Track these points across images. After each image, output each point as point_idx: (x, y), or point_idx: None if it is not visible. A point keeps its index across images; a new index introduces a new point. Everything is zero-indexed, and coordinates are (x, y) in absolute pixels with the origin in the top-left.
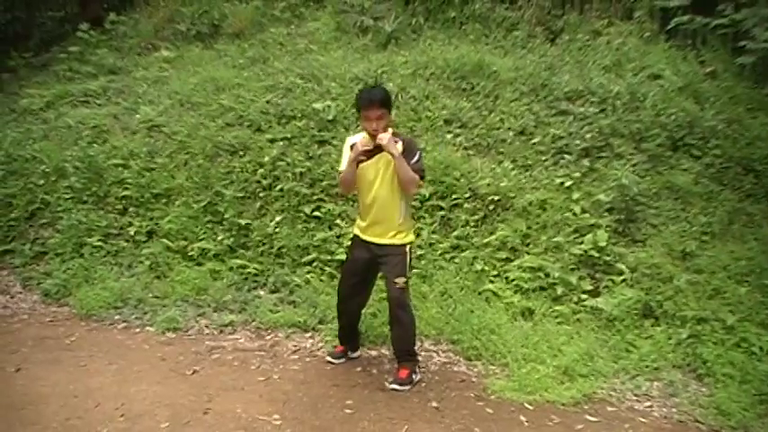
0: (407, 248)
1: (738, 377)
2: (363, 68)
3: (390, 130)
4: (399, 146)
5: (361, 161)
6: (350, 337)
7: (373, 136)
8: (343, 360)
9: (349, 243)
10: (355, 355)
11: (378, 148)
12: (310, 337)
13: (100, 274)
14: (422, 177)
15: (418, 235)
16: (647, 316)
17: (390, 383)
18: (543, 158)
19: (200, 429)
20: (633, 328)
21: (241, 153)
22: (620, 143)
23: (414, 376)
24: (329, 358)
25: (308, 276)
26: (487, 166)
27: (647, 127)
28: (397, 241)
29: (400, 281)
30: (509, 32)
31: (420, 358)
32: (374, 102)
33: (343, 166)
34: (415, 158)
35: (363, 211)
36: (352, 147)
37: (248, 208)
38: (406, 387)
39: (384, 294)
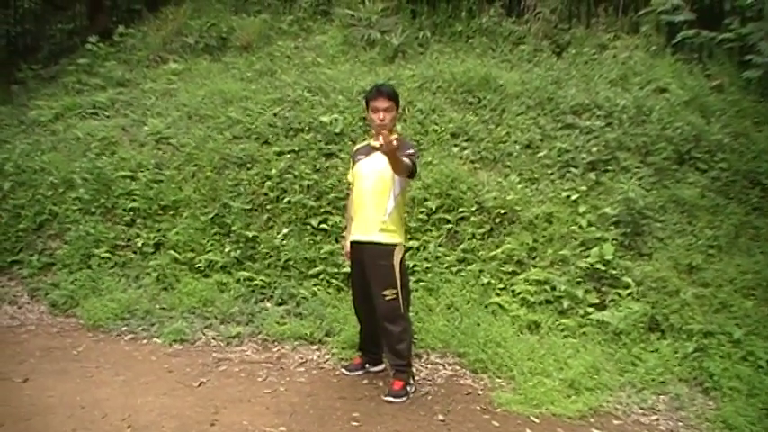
0: (395, 255)
1: (745, 391)
2: (370, 82)
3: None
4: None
5: (359, 160)
6: (369, 346)
7: (379, 126)
8: (359, 373)
9: None
10: (377, 369)
11: (371, 150)
12: (317, 350)
13: (107, 285)
14: (414, 171)
15: (425, 248)
16: (654, 329)
17: (385, 396)
18: (549, 172)
19: None
20: (639, 341)
21: (248, 165)
22: (626, 157)
23: (408, 388)
24: (344, 370)
25: (315, 289)
26: (494, 179)
27: (654, 140)
28: (381, 239)
29: (390, 293)
30: (515, 46)
31: (415, 369)
32: (382, 92)
33: (350, 176)
34: (410, 150)
35: (354, 209)
36: (358, 149)
37: (255, 220)
38: (401, 399)
39: None
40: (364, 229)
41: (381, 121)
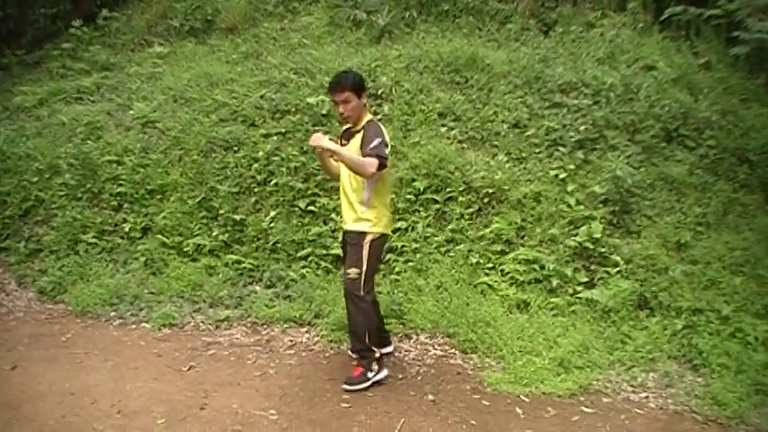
0: (366, 238)
1: (734, 367)
2: (357, 62)
3: (369, 117)
4: (319, 134)
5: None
6: None
7: (342, 119)
8: None
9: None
10: (386, 351)
11: (350, 135)
12: (306, 332)
13: (95, 270)
14: (381, 162)
15: (413, 228)
16: (642, 307)
17: (343, 383)
18: (537, 151)
19: (196, 425)
20: (628, 319)
21: (235, 148)
22: (614, 135)
23: (369, 374)
24: (350, 352)
25: (304, 271)
26: (482, 159)
27: (641, 118)
28: (357, 228)
29: (352, 272)
30: (502, 25)
31: (378, 355)
32: (337, 86)
33: None
34: (372, 145)
35: (340, 198)
36: (343, 131)
37: (243, 203)
38: (356, 386)
39: (377, 289)
40: (346, 219)
41: (341, 114)
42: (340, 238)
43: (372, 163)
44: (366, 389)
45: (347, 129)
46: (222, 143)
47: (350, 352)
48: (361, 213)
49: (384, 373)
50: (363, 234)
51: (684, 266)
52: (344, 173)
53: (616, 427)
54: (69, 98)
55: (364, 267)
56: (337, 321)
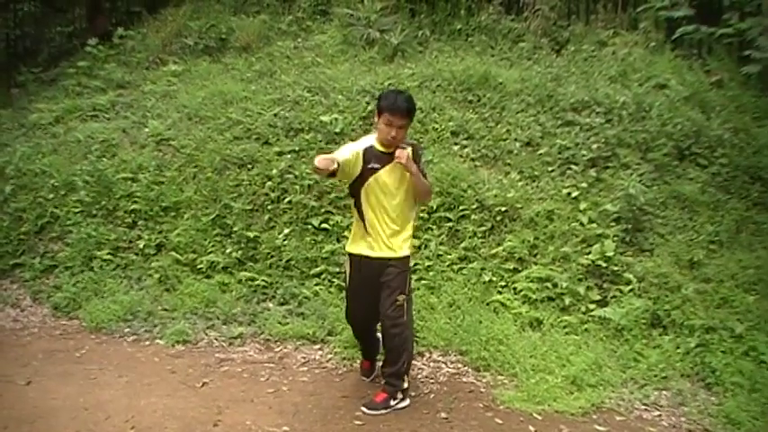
0: (410, 263)
1: (747, 386)
2: (370, 81)
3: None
4: (408, 151)
5: (375, 170)
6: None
7: (390, 142)
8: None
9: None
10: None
11: (384, 158)
12: (319, 349)
13: (109, 287)
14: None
15: (426, 246)
16: (655, 325)
17: (362, 406)
18: (550, 169)
19: None
20: (641, 337)
21: (249, 166)
22: (626, 153)
23: (392, 401)
24: (381, 372)
25: (317, 288)
26: (494, 177)
27: (654, 137)
28: (404, 253)
29: (401, 298)
30: (515, 44)
31: (406, 386)
32: (402, 110)
33: (338, 153)
34: (424, 168)
35: (373, 224)
36: (366, 150)
37: (256, 221)
38: (377, 412)
39: None
40: (388, 248)
41: (394, 138)
42: (365, 271)
43: (429, 187)
44: None
45: (369, 148)
46: (236, 161)
47: (380, 372)
48: (410, 238)
49: (406, 402)
50: (408, 258)
51: (697, 285)
52: (391, 196)
53: None
54: (85, 116)
55: (407, 291)
56: (350, 339)
